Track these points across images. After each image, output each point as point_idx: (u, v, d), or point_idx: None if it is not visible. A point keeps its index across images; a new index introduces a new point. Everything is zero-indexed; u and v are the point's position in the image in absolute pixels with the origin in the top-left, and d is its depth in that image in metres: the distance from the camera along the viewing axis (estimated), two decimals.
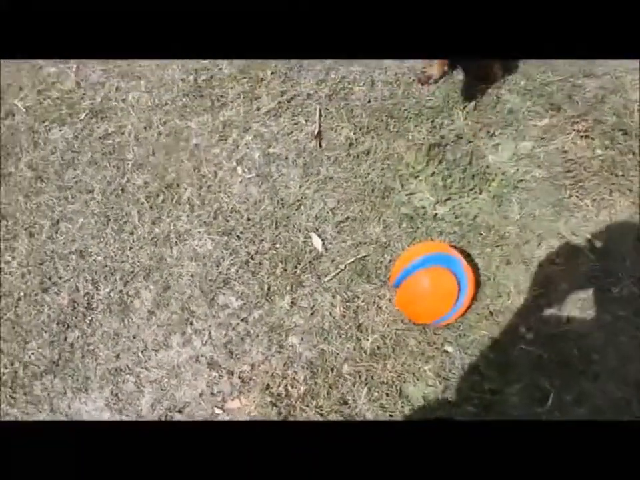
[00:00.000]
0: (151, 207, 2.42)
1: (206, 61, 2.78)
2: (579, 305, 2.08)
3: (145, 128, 2.62)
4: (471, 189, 2.30)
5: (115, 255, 2.37)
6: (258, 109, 2.61)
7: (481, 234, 2.21)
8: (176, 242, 2.34)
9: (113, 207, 2.46)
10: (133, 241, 2.38)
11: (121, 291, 2.32)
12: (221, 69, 2.76)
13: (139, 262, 2.33)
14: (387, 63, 2.68)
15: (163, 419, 2.11)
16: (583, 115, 2.45)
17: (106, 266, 2.35)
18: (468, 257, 2.16)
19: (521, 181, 2.30)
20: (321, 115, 2.54)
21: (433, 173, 2.35)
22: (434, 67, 2.53)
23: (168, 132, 2.61)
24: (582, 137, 2.39)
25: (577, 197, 2.25)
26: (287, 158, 2.46)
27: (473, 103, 2.49)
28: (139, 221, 2.40)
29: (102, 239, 2.40)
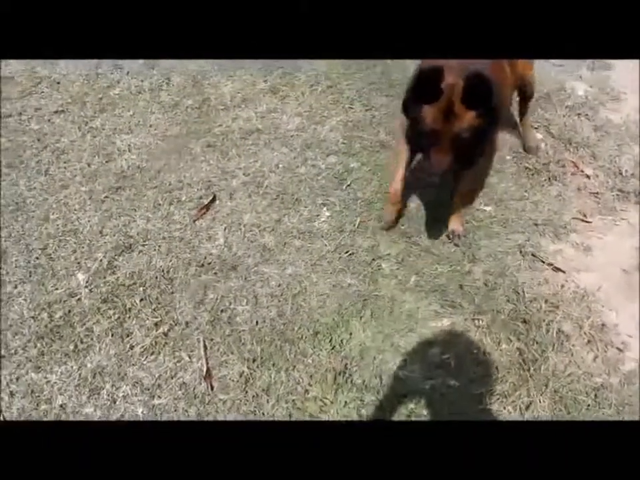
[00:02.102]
0: None
1: (61, 290, 2.42)
2: None
3: None
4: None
5: None
6: (131, 347, 2.24)
7: None
8: None
9: None
10: None
11: None
12: (79, 299, 2.36)
13: None
14: (268, 272, 2.48)
15: None
16: (480, 309, 2.38)
17: None
18: None
19: (442, 394, 2.10)
20: (206, 348, 2.23)
21: (345, 403, 2.08)
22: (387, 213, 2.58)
23: None
24: (485, 333, 2.25)
25: (499, 405, 2.08)
26: (175, 409, 2.08)
27: (369, 311, 2.30)
28: None
29: None
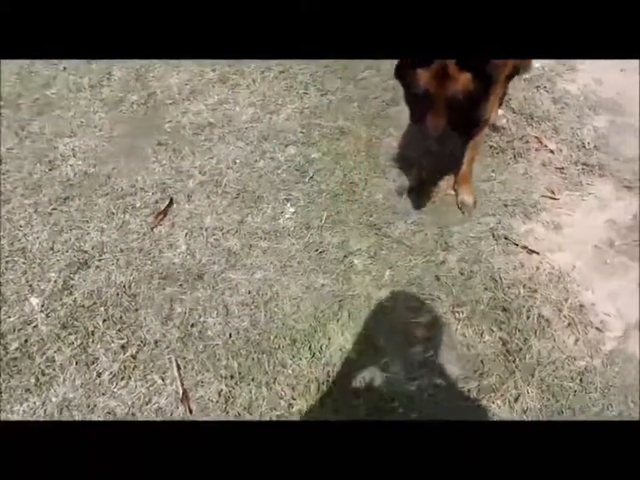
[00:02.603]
0: None
1: (13, 318, 2.28)
2: None
3: None
4: None
5: None
6: (98, 374, 2.10)
7: None
8: None
9: None
10: None
11: None
12: (36, 326, 2.19)
13: None
14: (236, 279, 2.37)
15: None
16: (458, 301, 2.32)
17: None
18: None
19: (430, 395, 2.04)
20: (179, 368, 2.10)
21: (332, 412, 1.99)
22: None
23: None
24: (466, 325, 2.19)
25: (487, 400, 2.04)
26: None
27: (345, 312, 2.21)
28: None
29: None
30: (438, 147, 2.76)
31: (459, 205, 2.67)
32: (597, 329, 2.26)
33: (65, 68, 3.30)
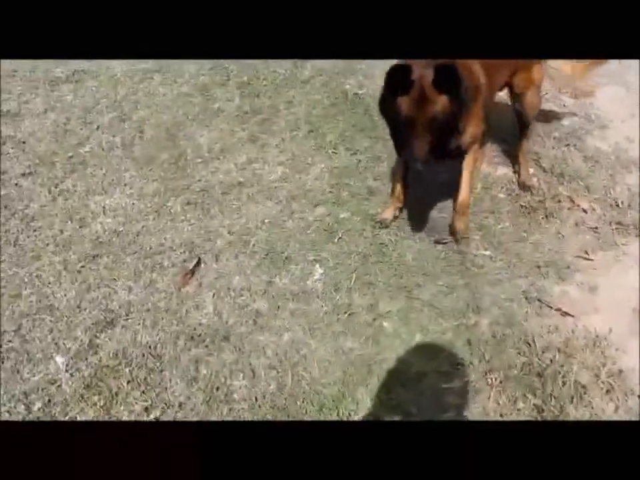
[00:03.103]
0: None
1: (38, 377, 2.26)
2: None
3: None
4: None
5: None
6: None
7: None
8: None
9: None
10: None
11: None
12: (60, 386, 2.16)
13: None
14: (263, 341, 2.36)
15: None
16: (491, 366, 2.25)
17: None
18: None
19: None
20: None
21: None
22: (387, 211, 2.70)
23: None
24: (499, 392, 2.11)
25: None
26: None
27: (375, 377, 2.16)
28: None
29: None
30: (429, 177, 2.80)
31: (451, 232, 2.69)
32: (639, 396, 2.15)
33: (98, 127, 3.37)
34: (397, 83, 2.12)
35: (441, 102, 2.13)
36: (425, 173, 2.51)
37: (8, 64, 3.91)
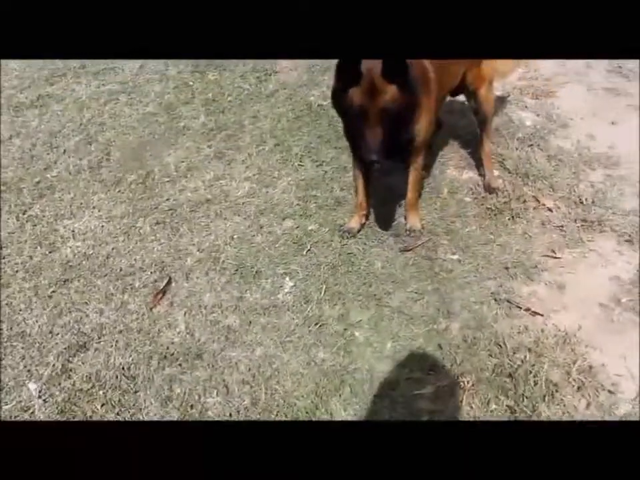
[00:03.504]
0: None
1: (10, 405, 2.25)
2: None
3: None
4: None
5: None
6: None
7: None
8: None
9: None
10: None
11: None
12: (33, 412, 2.17)
13: None
14: (236, 356, 2.37)
15: None
16: (463, 369, 2.26)
17: None
18: None
19: None
20: None
21: None
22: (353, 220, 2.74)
23: None
24: (472, 395, 2.13)
25: None
26: None
27: (347, 387, 2.17)
28: None
29: None
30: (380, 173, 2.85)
31: (407, 231, 2.75)
32: (609, 391, 2.19)
33: (65, 151, 3.36)
34: (346, 75, 2.18)
35: (391, 91, 2.20)
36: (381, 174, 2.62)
37: None
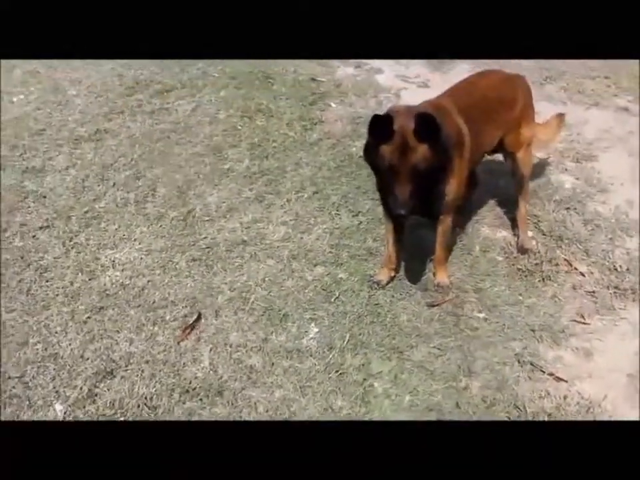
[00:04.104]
0: None
1: None
2: None
3: None
4: None
5: None
6: None
7: None
8: None
9: None
10: None
11: None
12: None
13: None
14: (255, 397, 2.40)
15: None
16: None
17: None
18: None
19: None
20: None
21: None
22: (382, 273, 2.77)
23: None
24: None
25: None
26: None
27: None
28: None
29: None
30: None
31: (435, 287, 2.77)
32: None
33: (114, 184, 3.53)
34: (379, 131, 2.24)
35: (422, 150, 2.24)
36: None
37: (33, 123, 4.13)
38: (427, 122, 2.20)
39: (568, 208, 3.25)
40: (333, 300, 2.75)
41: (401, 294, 2.77)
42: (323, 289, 2.80)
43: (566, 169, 3.56)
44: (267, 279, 2.87)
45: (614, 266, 2.89)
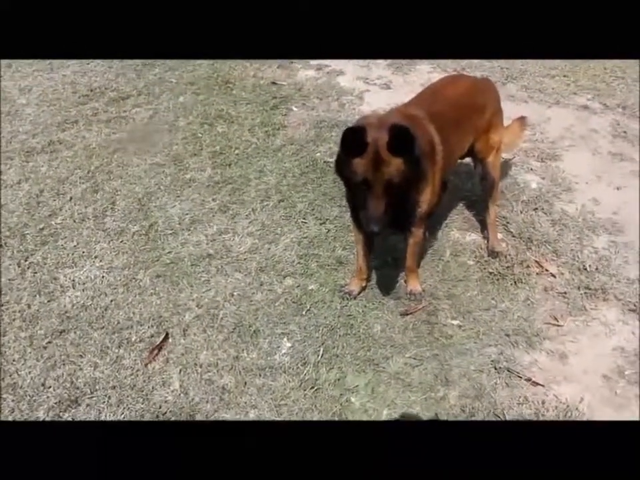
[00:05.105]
0: None
1: None
2: None
3: None
4: None
5: None
6: None
7: None
8: None
9: None
10: None
11: None
12: None
13: None
14: (229, 418, 2.32)
15: None
16: None
17: None
18: None
19: None
20: None
21: None
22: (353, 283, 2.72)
23: None
24: None
25: None
26: None
27: None
28: None
29: None
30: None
31: (408, 295, 2.75)
32: None
33: (71, 198, 3.38)
34: (352, 144, 2.16)
35: (396, 163, 2.16)
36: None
37: None
38: (401, 134, 2.13)
39: (536, 208, 3.24)
40: (304, 312, 2.68)
41: (373, 303, 2.71)
42: (294, 302, 2.73)
43: (531, 169, 3.57)
44: (235, 293, 2.78)
45: (583, 266, 2.89)
